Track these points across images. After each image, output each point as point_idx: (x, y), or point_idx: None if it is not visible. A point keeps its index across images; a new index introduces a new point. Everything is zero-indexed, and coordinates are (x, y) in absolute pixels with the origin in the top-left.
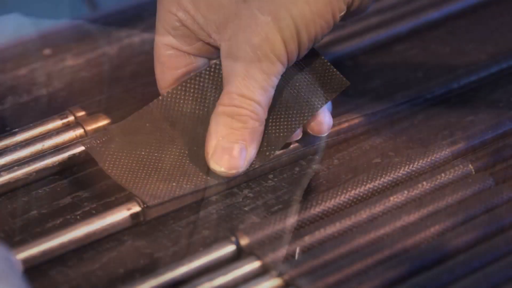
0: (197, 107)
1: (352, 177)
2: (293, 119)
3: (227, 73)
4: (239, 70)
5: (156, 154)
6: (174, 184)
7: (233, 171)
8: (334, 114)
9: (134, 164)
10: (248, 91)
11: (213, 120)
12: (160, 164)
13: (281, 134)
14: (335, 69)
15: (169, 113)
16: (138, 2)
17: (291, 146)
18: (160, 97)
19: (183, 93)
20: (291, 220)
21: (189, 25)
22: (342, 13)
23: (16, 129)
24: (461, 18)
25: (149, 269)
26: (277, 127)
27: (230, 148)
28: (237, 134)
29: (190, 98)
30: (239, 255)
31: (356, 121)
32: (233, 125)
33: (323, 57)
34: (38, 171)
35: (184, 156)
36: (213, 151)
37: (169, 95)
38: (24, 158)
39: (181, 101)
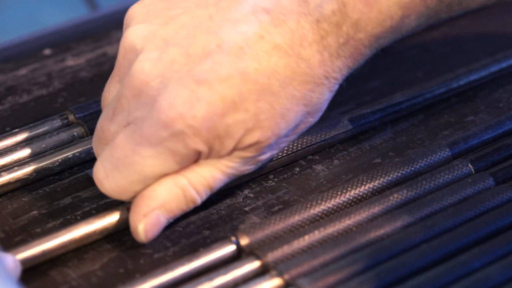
0: None
1: (352, 177)
2: None
3: None
4: None
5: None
6: None
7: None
8: (334, 114)
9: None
10: None
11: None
12: None
13: None
14: None
15: None
16: None
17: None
18: None
19: None
20: (291, 220)
21: None
22: None
23: (16, 129)
24: (461, 18)
25: (149, 269)
26: None
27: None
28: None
29: None
30: (239, 255)
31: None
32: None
33: None
34: (38, 171)
35: None
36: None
37: None
38: (24, 158)
39: None
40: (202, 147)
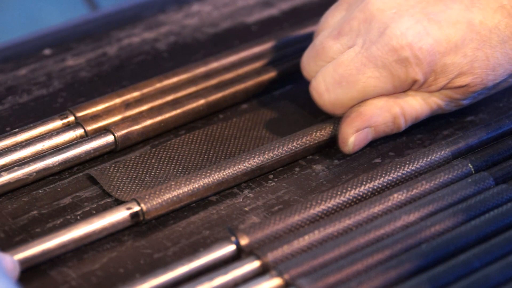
0: (204, 149)
1: (352, 177)
2: None
3: None
4: None
5: (160, 179)
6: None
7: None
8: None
9: (138, 187)
10: None
11: None
12: (164, 185)
13: None
14: None
15: (175, 153)
16: (138, 2)
17: (290, 145)
18: (168, 142)
19: (190, 140)
20: (291, 220)
21: None
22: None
23: (16, 129)
24: None
25: (149, 269)
26: None
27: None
28: None
29: (197, 143)
30: (239, 255)
31: None
32: None
33: None
34: (38, 171)
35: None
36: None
37: (176, 141)
38: (24, 158)
39: (188, 145)
40: (419, 77)
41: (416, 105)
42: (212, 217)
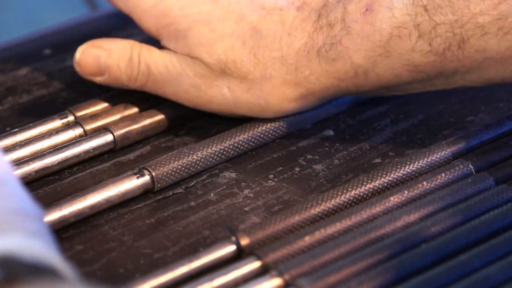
0: None
1: (352, 177)
2: None
3: None
4: None
5: None
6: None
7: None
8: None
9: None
10: None
11: None
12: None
13: None
14: None
15: None
16: None
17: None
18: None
19: None
20: (291, 220)
21: None
22: None
23: (16, 129)
24: None
25: (149, 269)
26: None
27: None
28: None
29: None
30: (239, 255)
31: (355, 121)
32: None
33: None
34: (37, 171)
35: None
36: None
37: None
38: (23, 157)
39: None
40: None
41: (157, 56)
42: (212, 217)
